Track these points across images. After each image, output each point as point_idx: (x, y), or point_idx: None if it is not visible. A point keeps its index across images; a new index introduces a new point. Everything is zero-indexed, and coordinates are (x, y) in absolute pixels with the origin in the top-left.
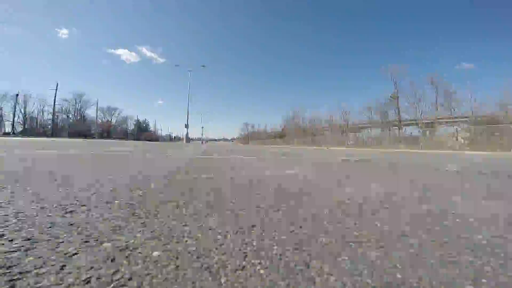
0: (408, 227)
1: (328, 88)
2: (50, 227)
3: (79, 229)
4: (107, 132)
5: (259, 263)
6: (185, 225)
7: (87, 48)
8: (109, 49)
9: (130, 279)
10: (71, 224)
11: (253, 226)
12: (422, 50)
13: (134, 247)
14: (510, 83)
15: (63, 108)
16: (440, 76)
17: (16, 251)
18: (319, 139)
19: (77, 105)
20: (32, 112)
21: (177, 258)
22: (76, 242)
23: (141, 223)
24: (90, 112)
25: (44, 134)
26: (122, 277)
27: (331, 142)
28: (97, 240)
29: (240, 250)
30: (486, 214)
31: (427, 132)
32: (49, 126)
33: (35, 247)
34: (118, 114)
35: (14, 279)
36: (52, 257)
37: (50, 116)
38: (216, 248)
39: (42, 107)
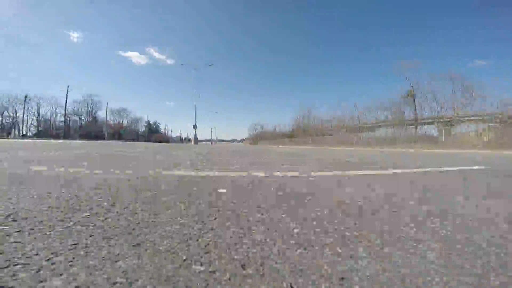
0: None
1: (339, 87)
2: None
3: None
4: (118, 133)
5: None
6: None
7: (97, 51)
8: (119, 51)
9: None
10: None
11: None
12: (434, 47)
13: None
14: None
15: (75, 110)
16: (458, 73)
17: None
18: (329, 139)
19: (88, 107)
20: (45, 115)
21: None
22: None
23: None
24: (102, 114)
25: (57, 136)
26: None
27: (342, 141)
28: None
29: None
30: None
31: (446, 131)
32: (61, 129)
33: None
34: (127, 115)
35: None
36: None
37: (63, 118)
38: None
39: (54, 109)
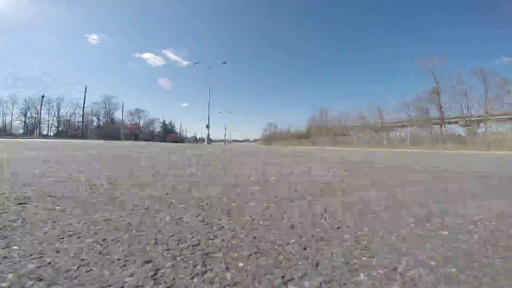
0: None
1: (357, 85)
2: None
3: None
4: (135, 134)
5: None
6: None
7: (115, 53)
8: (136, 53)
9: None
10: None
11: None
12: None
13: None
14: None
15: (93, 111)
16: (486, 70)
17: None
18: (348, 139)
19: (106, 107)
20: (65, 115)
21: None
22: None
23: None
24: (119, 114)
25: (75, 136)
26: None
27: (362, 142)
28: None
29: None
30: None
31: (472, 130)
32: (80, 129)
33: None
34: (145, 116)
35: None
36: None
37: (81, 119)
38: None
39: (74, 110)
